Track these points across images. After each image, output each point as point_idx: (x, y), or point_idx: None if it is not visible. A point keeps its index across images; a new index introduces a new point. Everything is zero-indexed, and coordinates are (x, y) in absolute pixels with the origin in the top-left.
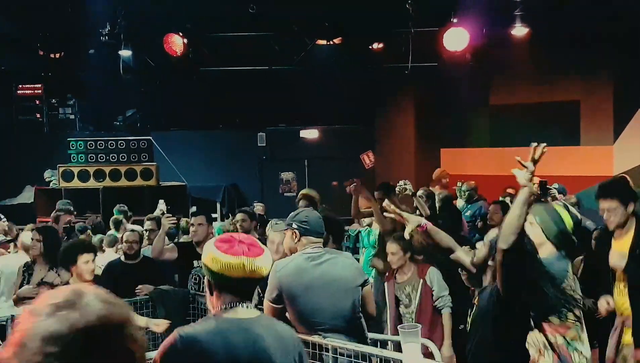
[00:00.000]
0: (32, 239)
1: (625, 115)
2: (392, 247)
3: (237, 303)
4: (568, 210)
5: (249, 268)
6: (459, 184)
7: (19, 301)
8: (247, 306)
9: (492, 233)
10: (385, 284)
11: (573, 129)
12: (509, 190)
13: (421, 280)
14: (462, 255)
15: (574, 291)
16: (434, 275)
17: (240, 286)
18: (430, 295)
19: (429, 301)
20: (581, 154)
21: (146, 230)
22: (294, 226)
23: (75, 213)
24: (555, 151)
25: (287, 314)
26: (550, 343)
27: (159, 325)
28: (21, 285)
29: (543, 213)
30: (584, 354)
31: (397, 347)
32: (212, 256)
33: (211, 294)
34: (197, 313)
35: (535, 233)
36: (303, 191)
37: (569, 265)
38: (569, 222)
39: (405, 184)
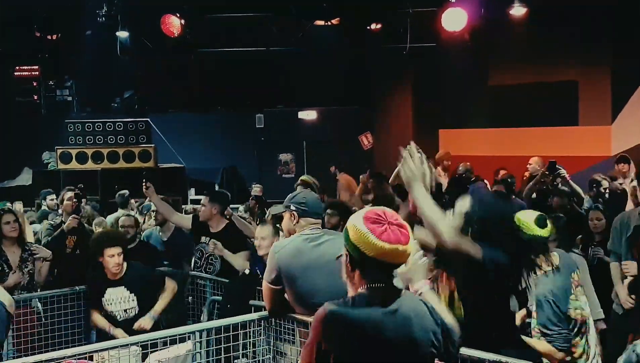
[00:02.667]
0: (9, 222)
1: (624, 95)
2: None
3: (384, 283)
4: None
5: (403, 254)
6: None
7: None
8: (393, 285)
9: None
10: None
11: (571, 109)
12: (502, 172)
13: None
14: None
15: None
16: None
17: (389, 268)
18: None
19: None
20: (579, 135)
21: (153, 211)
22: (292, 207)
23: (75, 191)
24: (553, 131)
25: (285, 295)
26: None
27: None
28: None
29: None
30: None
31: None
32: (367, 240)
33: (352, 270)
34: (194, 294)
35: None
36: (302, 178)
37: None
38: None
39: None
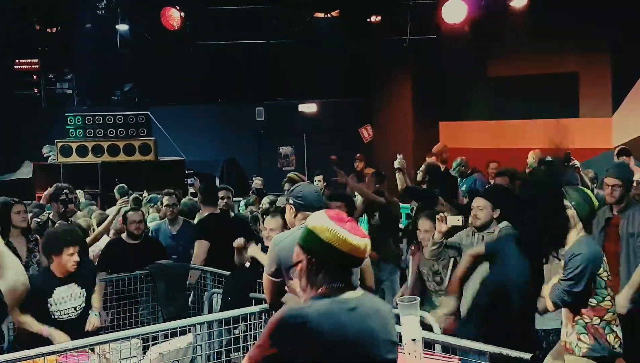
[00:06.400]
0: (20, 212)
1: (624, 87)
2: (425, 224)
3: (344, 282)
4: (593, 193)
5: (368, 250)
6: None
7: None
8: (352, 283)
9: None
10: (410, 258)
11: (572, 101)
12: (493, 164)
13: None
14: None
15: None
16: None
17: (353, 267)
18: None
19: None
20: (580, 126)
21: (167, 205)
22: (290, 201)
23: (62, 196)
24: (554, 123)
25: (286, 287)
26: (585, 324)
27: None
28: None
29: (577, 196)
30: (619, 336)
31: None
32: (340, 237)
33: (317, 273)
34: (196, 287)
35: (570, 215)
36: (289, 175)
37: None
38: (596, 203)
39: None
